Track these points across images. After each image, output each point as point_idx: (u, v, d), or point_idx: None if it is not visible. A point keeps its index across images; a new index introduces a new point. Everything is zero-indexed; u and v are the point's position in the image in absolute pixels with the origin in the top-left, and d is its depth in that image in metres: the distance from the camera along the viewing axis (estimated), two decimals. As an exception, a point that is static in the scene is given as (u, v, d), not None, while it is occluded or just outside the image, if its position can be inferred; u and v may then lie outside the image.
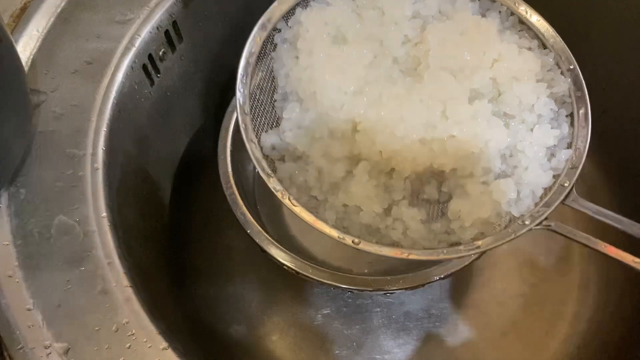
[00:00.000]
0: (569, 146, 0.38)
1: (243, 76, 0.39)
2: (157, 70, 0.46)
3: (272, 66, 0.41)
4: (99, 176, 0.38)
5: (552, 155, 0.38)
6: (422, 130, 0.38)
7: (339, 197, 0.38)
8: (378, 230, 0.38)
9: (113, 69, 0.41)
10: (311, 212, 0.36)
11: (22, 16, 0.43)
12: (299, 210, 0.36)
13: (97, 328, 0.34)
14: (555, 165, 0.38)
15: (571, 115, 0.39)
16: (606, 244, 0.35)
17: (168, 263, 0.52)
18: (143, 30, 0.43)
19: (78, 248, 0.36)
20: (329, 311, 0.55)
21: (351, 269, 0.52)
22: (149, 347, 0.33)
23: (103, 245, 0.36)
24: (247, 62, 0.39)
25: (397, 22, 0.40)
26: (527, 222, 0.36)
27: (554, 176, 0.38)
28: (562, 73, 0.40)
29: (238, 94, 0.38)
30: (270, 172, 0.37)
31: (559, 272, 0.57)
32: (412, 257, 0.35)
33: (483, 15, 0.41)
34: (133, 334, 0.33)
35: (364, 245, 0.36)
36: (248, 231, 0.46)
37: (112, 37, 0.42)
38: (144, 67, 0.44)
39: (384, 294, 0.55)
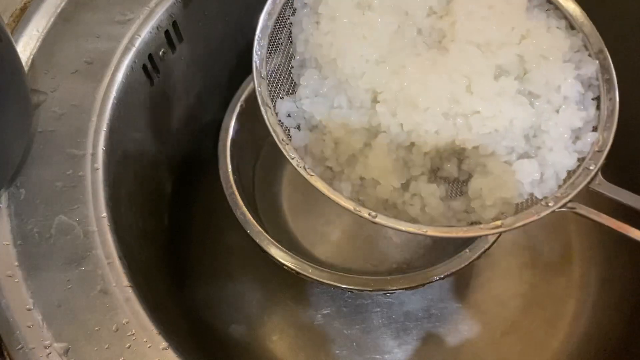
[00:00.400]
0: (595, 129, 0.37)
1: (260, 38, 0.37)
2: (157, 70, 0.46)
3: (291, 30, 0.39)
4: (99, 176, 0.38)
5: (577, 138, 0.37)
6: (445, 103, 0.36)
7: (355, 170, 0.37)
8: (395, 205, 0.37)
9: (113, 69, 0.41)
10: (327, 183, 0.35)
11: (22, 16, 0.43)
12: (314, 179, 0.35)
13: (97, 328, 0.34)
14: (581, 149, 0.37)
15: (598, 98, 0.38)
16: (634, 229, 0.33)
17: (168, 263, 0.52)
18: (143, 30, 0.43)
19: (78, 248, 0.36)
20: (329, 311, 0.55)
21: (352, 269, 0.52)
22: (149, 346, 0.33)
23: (103, 245, 0.36)
24: (265, 24, 0.38)
25: None
26: (550, 204, 0.35)
27: (578, 159, 0.37)
28: (590, 55, 0.38)
29: (255, 57, 0.37)
30: (285, 138, 0.36)
31: (559, 272, 0.57)
32: (430, 233, 0.34)
33: None
34: (133, 334, 0.34)
35: (381, 219, 0.34)
36: (248, 231, 0.46)
37: (112, 37, 0.42)
38: (144, 67, 0.44)
39: (384, 294, 0.55)
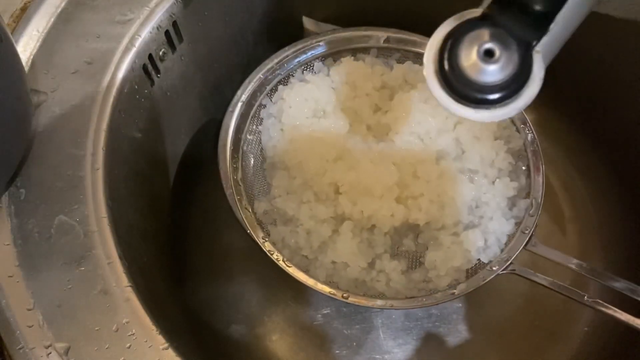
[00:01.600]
0: (527, 196, 0.43)
1: (233, 150, 0.44)
2: (157, 70, 0.46)
3: (260, 138, 0.46)
4: (99, 176, 0.38)
5: (513, 204, 0.43)
6: (396, 189, 0.42)
7: (327, 255, 0.42)
8: (364, 282, 0.42)
9: (113, 69, 0.41)
10: (303, 271, 0.41)
11: (22, 16, 0.43)
12: (292, 270, 0.41)
13: (97, 328, 0.34)
14: (517, 214, 0.43)
15: (528, 167, 0.44)
16: (566, 284, 0.40)
17: (168, 263, 0.52)
18: (143, 30, 0.43)
19: (78, 248, 0.36)
20: (329, 311, 0.55)
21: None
22: (149, 346, 0.33)
23: (103, 245, 0.36)
24: (236, 137, 0.44)
25: (369, 93, 0.45)
26: (494, 268, 0.41)
27: (516, 223, 0.42)
28: (517, 130, 0.44)
29: (228, 167, 0.43)
30: (264, 236, 0.42)
31: (559, 272, 0.57)
32: (396, 306, 0.40)
33: None
34: (133, 334, 0.34)
35: (353, 299, 0.40)
36: (248, 231, 0.46)
37: (112, 37, 0.42)
38: (144, 67, 0.44)
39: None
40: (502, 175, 0.43)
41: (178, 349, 0.34)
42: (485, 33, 0.25)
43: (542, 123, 0.44)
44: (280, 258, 0.41)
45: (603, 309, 0.38)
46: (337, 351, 0.53)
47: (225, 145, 0.49)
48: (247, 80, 0.52)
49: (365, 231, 0.43)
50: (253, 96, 0.46)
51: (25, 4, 0.44)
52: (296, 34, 0.59)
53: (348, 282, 0.42)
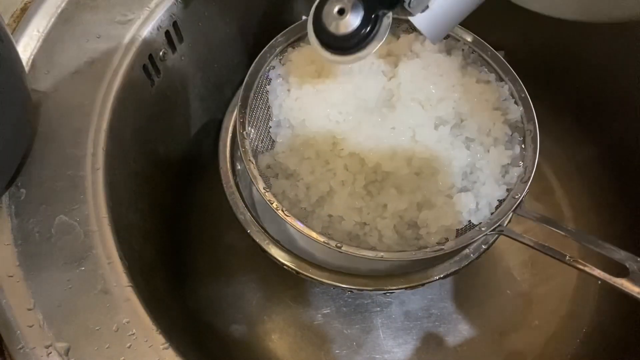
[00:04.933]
0: (520, 165, 0.44)
1: (242, 106, 0.45)
2: (157, 70, 0.46)
3: (268, 97, 0.47)
4: (100, 176, 0.38)
5: (506, 172, 0.44)
6: (390, 152, 0.44)
7: (324, 209, 0.44)
8: (357, 237, 0.44)
9: (113, 69, 0.41)
10: (301, 221, 0.42)
11: (23, 16, 0.43)
12: (291, 219, 0.42)
13: (97, 327, 0.34)
14: (509, 181, 0.44)
15: (523, 138, 0.45)
16: (550, 246, 0.40)
17: (168, 263, 0.52)
18: (143, 30, 0.43)
19: (78, 248, 0.36)
20: (329, 311, 0.55)
21: (350, 269, 0.52)
22: (150, 346, 0.33)
23: (103, 245, 0.36)
24: (247, 94, 0.46)
25: (374, 60, 0.46)
26: (483, 229, 0.42)
27: (507, 189, 0.43)
28: (515, 102, 0.45)
29: (238, 124, 0.44)
30: (266, 187, 0.43)
31: (558, 272, 0.57)
32: (386, 257, 0.41)
33: (448, 53, 0.48)
34: (133, 334, 0.34)
35: (346, 248, 0.41)
36: (248, 231, 0.46)
37: (112, 37, 0.42)
38: (144, 67, 0.44)
39: (384, 293, 0.55)
40: (498, 144, 0.45)
41: (178, 349, 0.34)
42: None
43: (542, 120, 0.44)
44: (280, 208, 0.42)
45: (581, 266, 0.39)
46: (337, 351, 0.53)
47: (225, 145, 0.50)
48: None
49: (361, 188, 0.44)
50: (263, 57, 0.47)
51: (25, 4, 0.44)
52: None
53: (342, 235, 0.44)
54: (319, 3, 0.37)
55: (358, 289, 0.45)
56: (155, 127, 0.49)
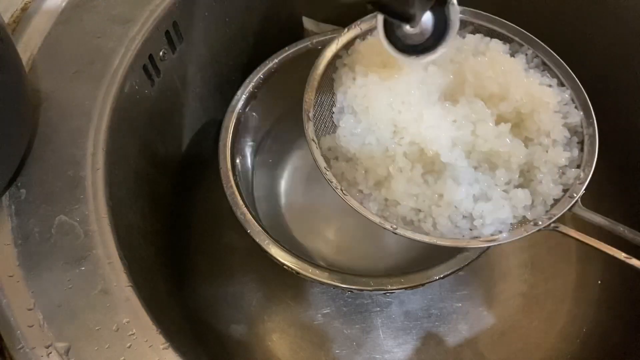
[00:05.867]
0: (578, 167, 0.45)
1: (307, 90, 0.46)
2: (157, 70, 0.46)
3: (333, 84, 0.49)
4: (100, 176, 0.38)
5: (563, 173, 0.45)
6: (455, 143, 0.45)
7: (381, 193, 0.45)
8: (412, 222, 0.44)
9: (113, 69, 0.41)
10: (358, 202, 0.43)
11: (23, 16, 0.43)
12: (349, 198, 0.42)
13: (97, 327, 0.34)
14: (565, 181, 0.44)
15: (582, 142, 0.45)
16: (603, 243, 0.40)
17: (168, 263, 0.52)
18: (143, 30, 0.43)
19: (78, 248, 0.36)
20: (329, 311, 0.55)
21: (351, 269, 0.52)
22: (150, 346, 0.33)
23: (103, 245, 0.36)
24: (313, 79, 0.47)
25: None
26: (539, 224, 0.42)
27: (563, 190, 0.44)
28: (576, 107, 0.46)
29: (304, 104, 0.46)
30: (327, 166, 0.44)
31: (558, 272, 0.57)
32: (439, 242, 0.41)
33: (512, 55, 0.49)
34: (133, 334, 0.34)
35: (400, 231, 0.41)
36: (248, 231, 0.46)
37: (112, 37, 0.42)
38: (144, 67, 0.44)
39: (384, 293, 0.55)
40: (556, 145, 0.45)
41: (178, 349, 0.34)
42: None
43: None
44: (339, 187, 0.43)
45: (637, 265, 0.39)
46: (337, 351, 0.53)
47: (225, 145, 0.50)
48: (247, 80, 0.52)
49: (419, 176, 0.45)
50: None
51: (25, 4, 0.44)
52: (296, 34, 0.59)
53: (397, 219, 0.44)
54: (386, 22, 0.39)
55: (358, 289, 0.45)
56: (155, 127, 0.49)
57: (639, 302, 0.52)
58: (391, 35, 0.40)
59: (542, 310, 0.55)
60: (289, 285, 0.55)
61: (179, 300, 0.52)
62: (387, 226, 0.42)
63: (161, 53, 0.46)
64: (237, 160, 0.52)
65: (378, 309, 0.55)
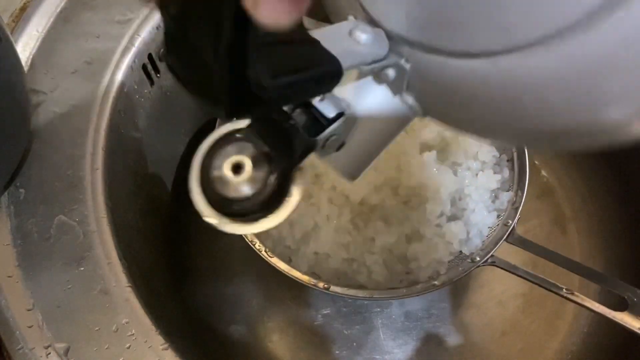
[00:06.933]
0: (510, 188, 0.43)
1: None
2: (157, 70, 0.46)
3: None
4: (99, 176, 0.38)
5: (496, 197, 0.43)
6: (380, 180, 0.43)
7: (310, 246, 0.43)
8: (346, 274, 0.42)
9: (113, 69, 0.41)
10: (285, 261, 0.41)
11: (22, 16, 0.43)
12: (275, 260, 0.41)
13: (96, 328, 0.34)
14: (499, 207, 0.43)
15: (512, 160, 0.43)
16: (544, 277, 0.40)
17: (168, 263, 0.52)
18: (143, 30, 0.43)
19: (78, 248, 0.36)
20: (329, 311, 0.55)
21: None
22: (149, 347, 0.33)
23: (103, 246, 0.36)
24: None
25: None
26: (476, 259, 0.41)
27: (498, 216, 0.42)
28: None
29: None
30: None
31: (559, 272, 0.57)
32: (376, 296, 0.40)
33: None
34: (133, 334, 0.33)
35: (335, 289, 0.40)
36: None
37: (112, 37, 0.42)
38: (144, 67, 0.44)
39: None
40: (486, 168, 0.44)
41: (178, 349, 0.34)
42: (238, 147, 0.23)
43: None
44: (263, 249, 0.41)
45: (579, 300, 0.38)
46: (337, 351, 0.53)
47: (225, 145, 0.49)
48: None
49: (348, 222, 0.43)
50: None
51: (24, 3, 0.43)
52: (296, 34, 0.59)
53: (330, 273, 0.43)
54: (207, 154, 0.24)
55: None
56: (155, 127, 0.49)
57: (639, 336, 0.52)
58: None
59: (542, 310, 0.55)
60: (289, 285, 0.55)
61: (178, 301, 0.52)
62: (320, 286, 0.40)
63: (161, 53, 0.46)
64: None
65: (378, 309, 0.55)
